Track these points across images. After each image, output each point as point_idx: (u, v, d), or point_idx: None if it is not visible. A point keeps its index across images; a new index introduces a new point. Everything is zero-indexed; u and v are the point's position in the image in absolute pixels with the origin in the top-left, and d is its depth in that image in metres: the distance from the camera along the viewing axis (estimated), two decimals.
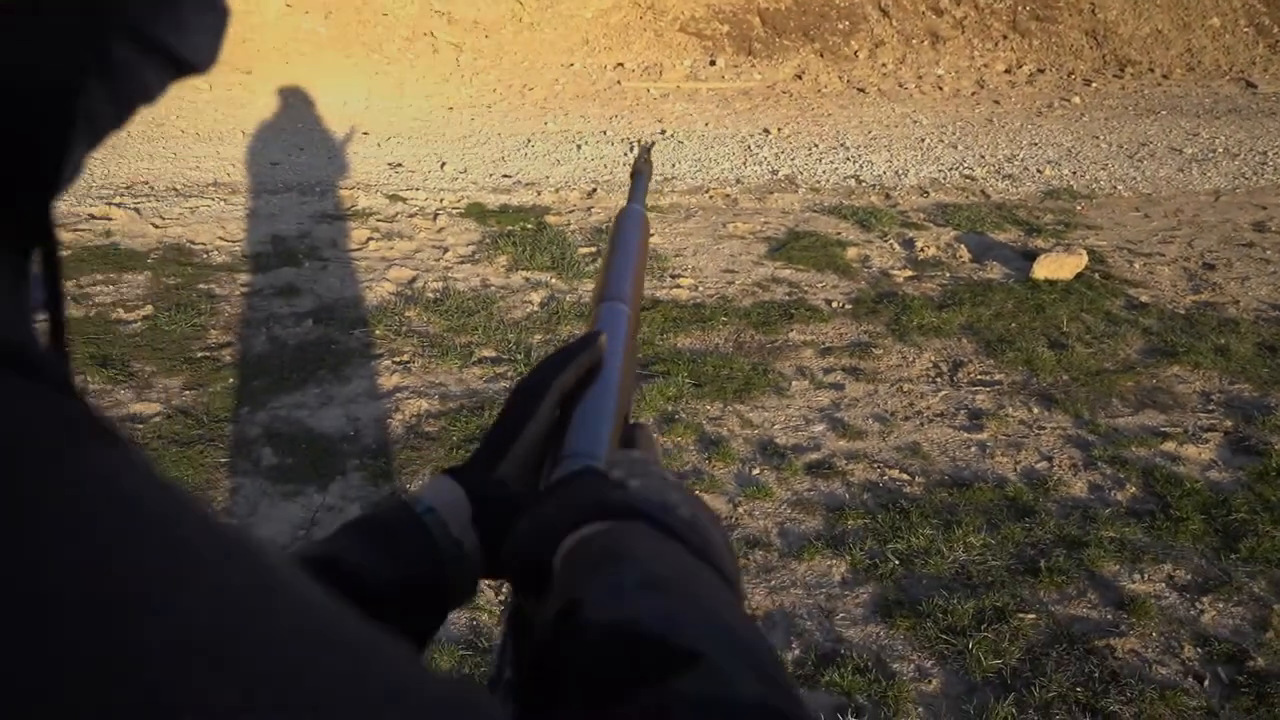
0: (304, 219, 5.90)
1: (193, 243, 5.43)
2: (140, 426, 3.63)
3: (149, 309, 4.57)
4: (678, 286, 5.14)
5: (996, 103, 9.76)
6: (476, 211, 6.14)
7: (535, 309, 4.82)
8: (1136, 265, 5.61)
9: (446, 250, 5.51)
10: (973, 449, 3.74)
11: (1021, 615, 2.83)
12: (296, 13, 9.59)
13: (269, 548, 0.28)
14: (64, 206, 5.79)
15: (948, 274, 5.43)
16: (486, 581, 0.61)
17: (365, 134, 7.77)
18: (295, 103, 8.19)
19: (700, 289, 5.12)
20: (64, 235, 5.30)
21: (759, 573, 3.02)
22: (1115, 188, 7.19)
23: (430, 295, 4.89)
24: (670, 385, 4.05)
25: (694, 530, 0.49)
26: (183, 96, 8.16)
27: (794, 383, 4.20)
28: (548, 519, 0.49)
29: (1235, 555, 3.11)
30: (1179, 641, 2.76)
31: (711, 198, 6.68)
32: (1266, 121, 9.13)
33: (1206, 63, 11.00)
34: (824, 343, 4.58)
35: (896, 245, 5.85)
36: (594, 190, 6.70)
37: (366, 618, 0.49)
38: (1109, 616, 2.86)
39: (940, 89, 10.18)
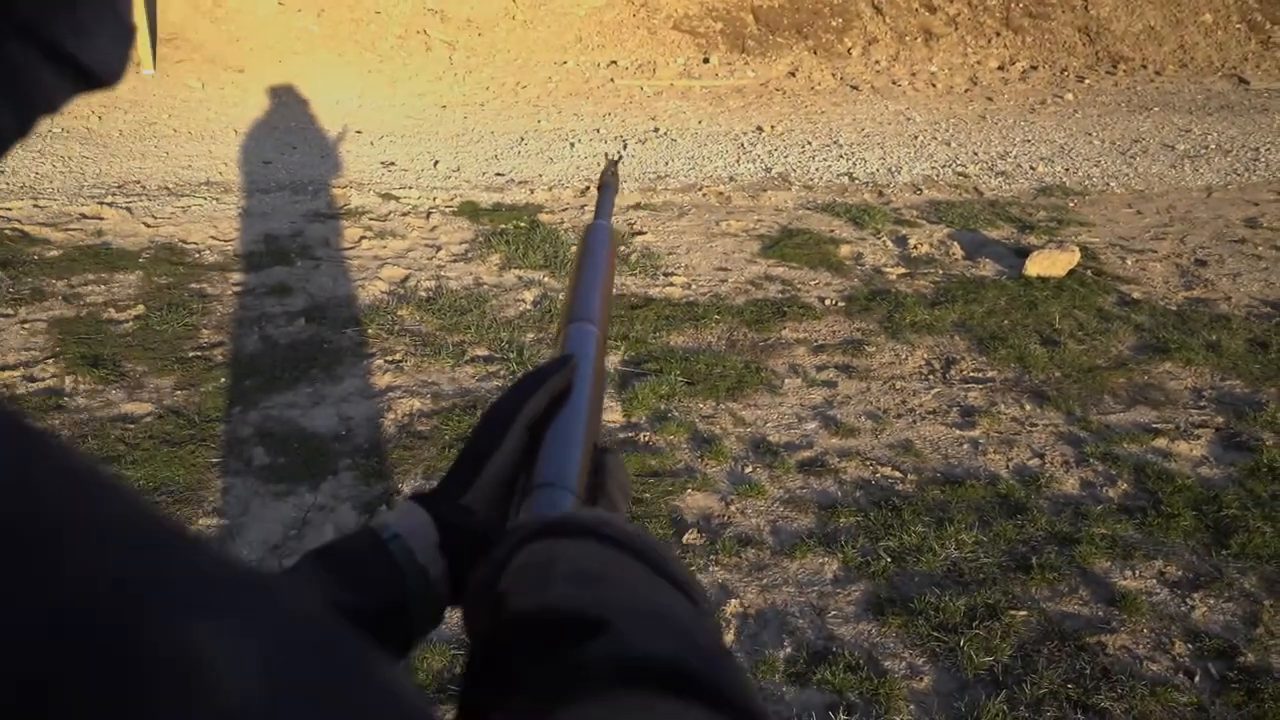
0: (296, 218, 5.89)
1: (185, 242, 5.42)
2: (132, 427, 3.62)
3: (141, 308, 4.56)
4: (670, 285, 5.14)
5: (990, 99, 9.77)
6: (469, 210, 6.13)
7: (528, 307, 4.81)
8: (1129, 262, 5.62)
9: (439, 249, 5.50)
10: (965, 446, 3.74)
11: (1013, 612, 2.84)
12: (289, 11, 9.56)
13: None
14: (55, 206, 5.78)
15: (940, 271, 5.44)
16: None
17: (358, 132, 7.76)
18: (288, 101, 8.17)
19: (693, 287, 5.12)
20: (55, 235, 5.30)
21: (751, 571, 3.02)
22: (1108, 184, 7.20)
23: (423, 294, 4.88)
24: (663, 384, 4.05)
25: (632, 536, 0.49)
26: (175, 95, 8.14)
27: (787, 380, 4.20)
28: (495, 556, 0.50)
29: (1226, 551, 3.12)
30: (1170, 638, 2.77)
31: (705, 195, 6.68)
32: (1259, 118, 9.15)
33: (1199, 59, 11.02)
34: (817, 340, 4.58)
35: (889, 242, 5.85)
36: (587, 188, 6.69)
37: None
38: (1100, 613, 2.86)
39: (933, 86, 10.18)
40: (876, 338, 4.61)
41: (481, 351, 4.33)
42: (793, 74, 10.26)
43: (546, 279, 5.13)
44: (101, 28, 0.34)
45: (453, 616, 0.60)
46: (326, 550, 0.58)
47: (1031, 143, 8.22)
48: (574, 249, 4.66)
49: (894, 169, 7.41)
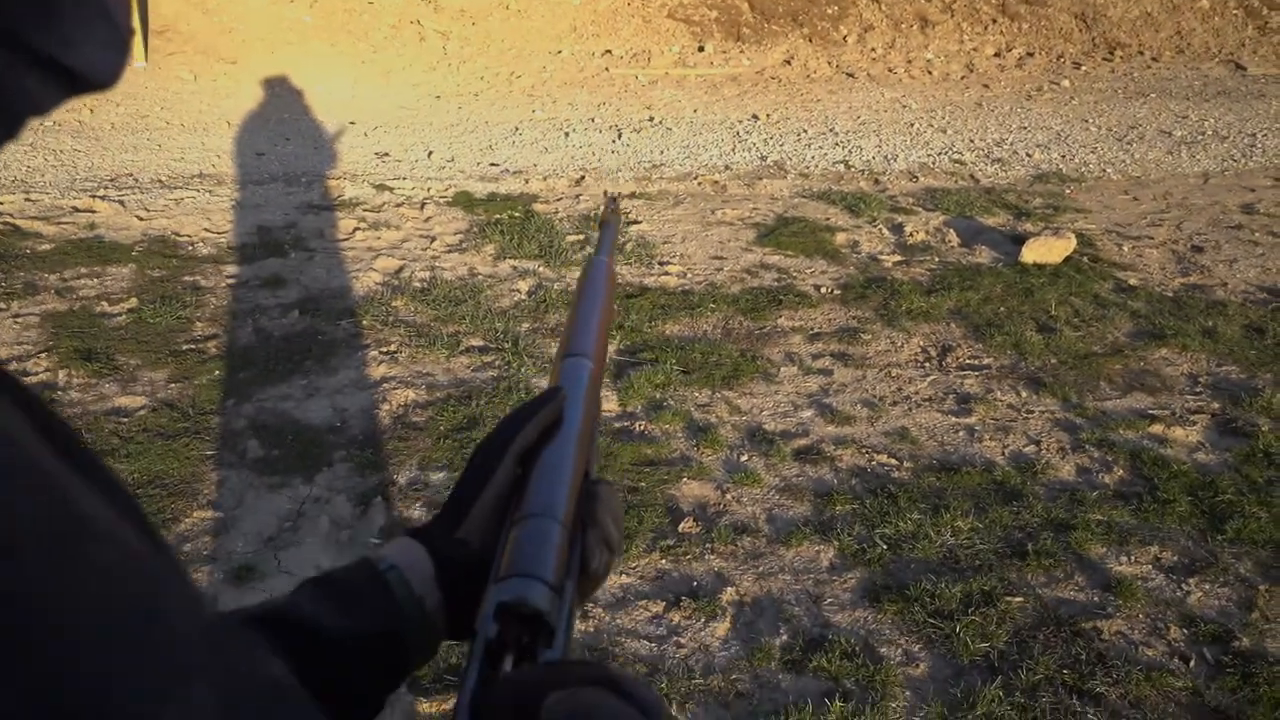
0: (290, 209, 5.87)
1: (178, 234, 5.40)
2: (125, 420, 3.61)
3: (133, 301, 4.54)
4: (666, 274, 5.12)
5: (986, 87, 9.74)
6: (464, 200, 6.11)
7: (523, 297, 4.80)
8: (1125, 248, 5.61)
9: (434, 239, 5.49)
10: (961, 433, 3.73)
11: (1009, 598, 2.84)
12: (281, 2, 9.52)
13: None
14: (47, 200, 5.75)
15: (936, 259, 5.43)
16: None
17: (352, 123, 7.73)
18: (281, 92, 8.14)
19: (689, 276, 5.11)
20: (47, 229, 5.28)
21: (747, 559, 3.02)
22: (1104, 171, 7.18)
23: (417, 285, 4.87)
24: (658, 373, 4.04)
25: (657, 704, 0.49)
26: (167, 87, 8.11)
27: (782, 369, 4.19)
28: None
29: (1221, 536, 3.11)
30: (1165, 623, 2.77)
31: (700, 184, 6.66)
32: (1255, 103, 9.13)
33: (1196, 45, 10.99)
34: (812, 328, 4.57)
35: (885, 230, 5.83)
36: (582, 178, 6.67)
37: (320, 672, 0.51)
38: (1096, 599, 2.86)
39: (929, 73, 10.15)
40: (872, 325, 4.61)
41: (476, 342, 4.32)
42: (788, 62, 10.22)
43: (541, 269, 5.12)
44: (90, 35, 0.34)
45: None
46: (325, 578, 0.59)
47: (1028, 129, 8.20)
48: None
49: (890, 156, 7.39)
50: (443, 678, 2.49)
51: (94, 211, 5.61)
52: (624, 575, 2.92)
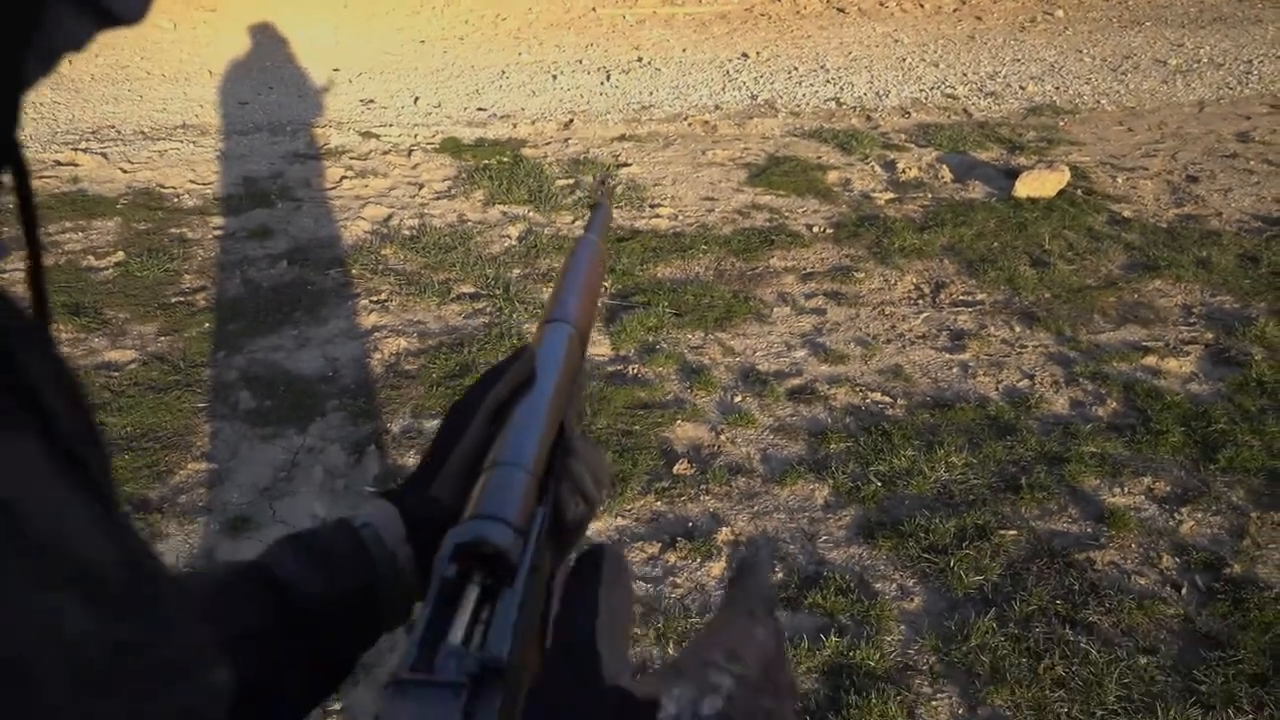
0: (275, 159, 5.79)
1: (162, 186, 5.34)
2: (115, 374, 3.59)
3: (120, 255, 4.50)
4: (657, 216, 5.08)
5: (979, 19, 9.59)
6: (451, 146, 6.04)
7: (513, 243, 4.76)
8: (1119, 180, 5.56)
9: (422, 186, 5.43)
10: (954, 370, 3.73)
11: (1003, 532, 2.85)
12: None
13: None
14: (28, 153, 5.66)
15: (929, 195, 5.38)
16: None
17: (335, 70, 7.60)
18: (262, 40, 7.99)
19: (680, 218, 5.07)
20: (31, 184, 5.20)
21: (741, 499, 3.03)
22: (1099, 102, 7.10)
23: (406, 232, 4.82)
24: (651, 315, 4.02)
25: None
26: (146, 36, 7.95)
27: (775, 309, 4.17)
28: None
29: (1214, 466, 3.13)
30: (1157, 552, 2.79)
31: (690, 125, 6.57)
32: (1253, 29, 9.00)
33: None
34: (805, 268, 4.54)
35: (878, 167, 5.78)
36: (570, 121, 6.59)
37: (297, 629, 0.53)
38: (1089, 530, 2.88)
39: (921, 6, 9.98)
40: (865, 264, 4.58)
41: (467, 289, 4.29)
42: None
43: (531, 214, 5.07)
44: None
45: None
46: (304, 538, 0.59)
47: (1021, 62, 8.09)
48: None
49: (882, 93, 7.29)
50: None
51: (76, 165, 5.53)
52: (619, 518, 2.93)
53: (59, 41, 0.35)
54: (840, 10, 9.81)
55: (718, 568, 2.75)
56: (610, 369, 3.71)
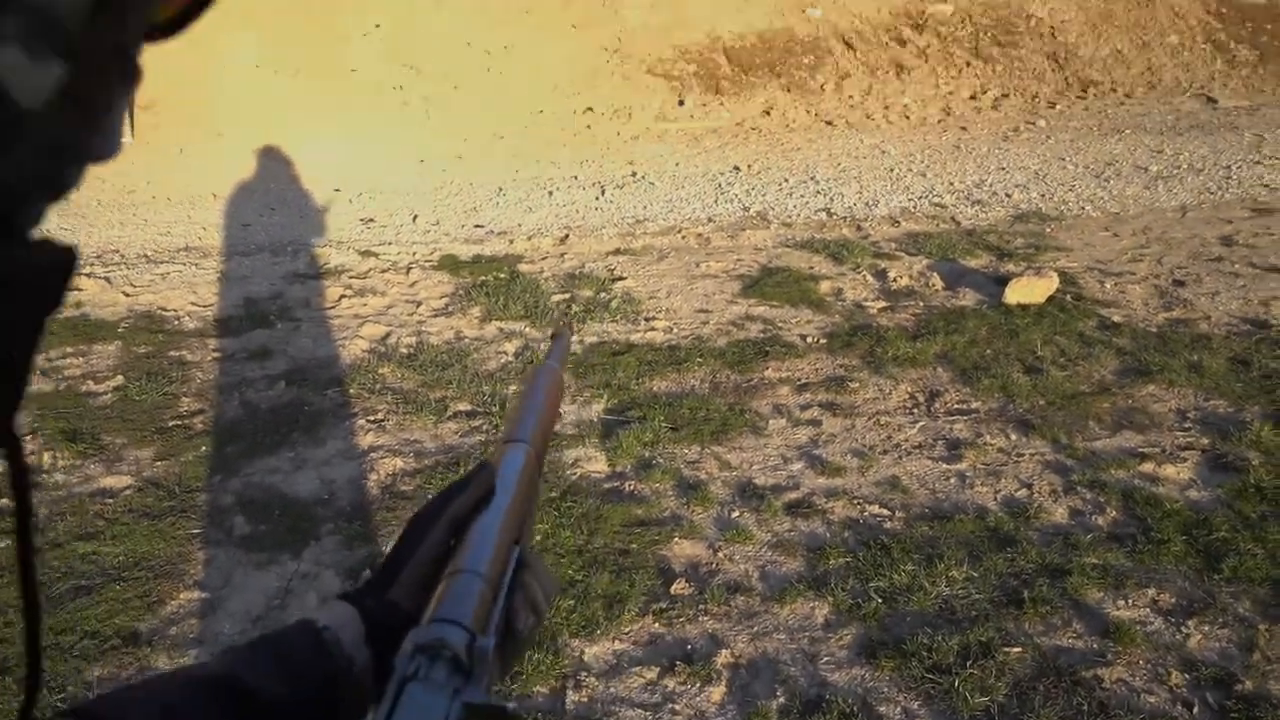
0: (276, 279, 5.88)
1: (164, 309, 5.41)
2: (110, 501, 3.58)
3: (119, 379, 4.53)
4: (652, 329, 5.13)
5: (963, 129, 9.86)
6: (449, 263, 6.14)
7: (510, 359, 4.80)
8: (1108, 285, 5.64)
9: (419, 304, 5.50)
10: (952, 480, 3.72)
11: (1007, 649, 2.80)
12: (265, 72, 9.64)
13: None
14: None
15: (921, 303, 5.45)
16: None
17: (337, 190, 7.79)
18: (266, 163, 8.21)
19: (675, 330, 5.12)
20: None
21: (740, 619, 2.98)
22: (1084, 208, 7.25)
23: (404, 350, 4.87)
24: (647, 430, 4.03)
25: None
26: (153, 162, 8.16)
27: (771, 421, 4.19)
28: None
29: (1218, 576, 3.09)
30: (1166, 668, 2.74)
31: (684, 237, 6.70)
32: (1229, 135, 9.25)
33: (1167, 80, 11.16)
34: (800, 379, 4.57)
35: (869, 276, 5.87)
36: (566, 236, 6.71)
37: None
38: (1095, 646, 2.83)
39: (907, 118, 10.28)
40: (859, 373, 4.61)
41: (464, 406, 4.31)
42: (767, 112, 10.35)
43: (528, 329, 5.13)
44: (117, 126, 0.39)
45: None
46: (262, 639, 0.61)
47: (1006, 170, 8.29)
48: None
49: (871, 202, 7.45)
50: None
51: (80, 290, 5.62)
52: (617, 641, 2.88)
53: (70, 185, 0.38)
54: (828, 123, 10.10)
55: (718, 692, 2.69)
56: (607, 486, 3.70)
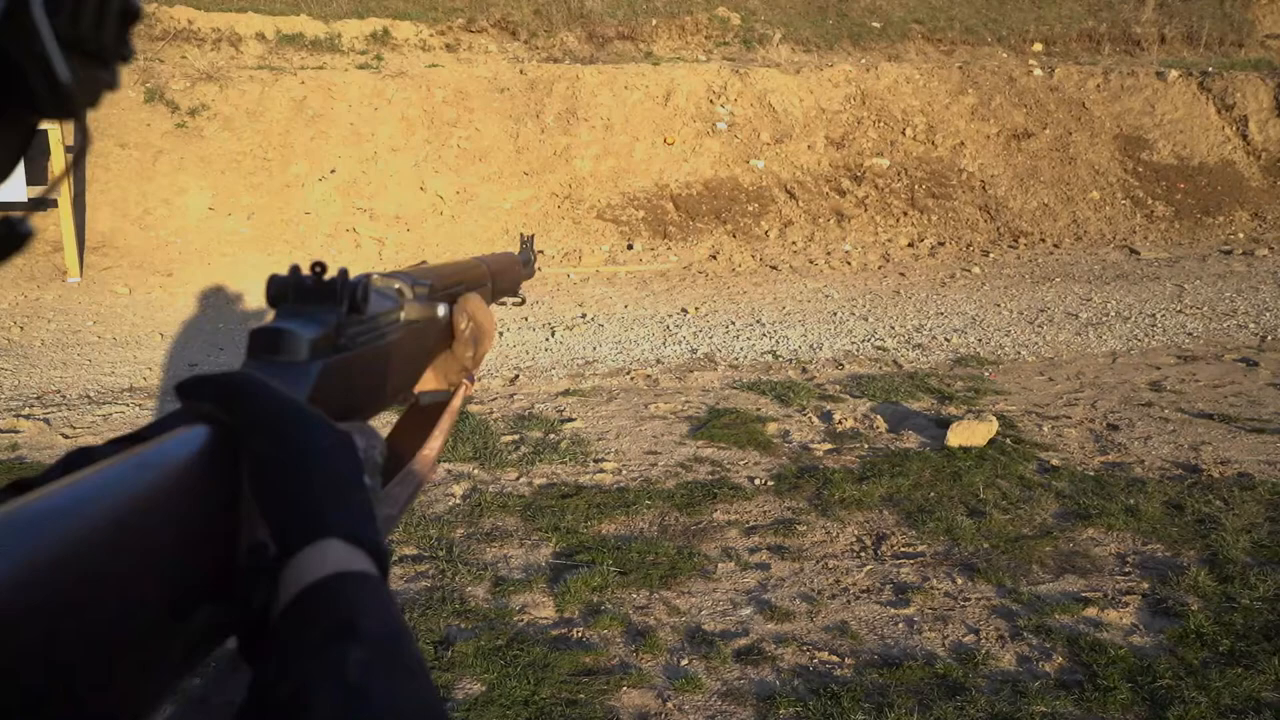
0: None
1: None
2: None
3: None
4: (601, 471, 5.14)
5: (903, 275, 10.24)
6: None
7: (457, 501, 4.76)
8: (1045, 428, 5.80)
9: None
10: (900, 625, 3.72)
11: None
12: (219, 215, 9.76)
13: None
14: None
15: (866, 445, 5.54)
16: None
17: None
18: (216, 303, 8.23)
19: (624, 472, 5.14)
20: None
21: None
22: (1019, 353, 7.50)
23: None
24: (595, 575, 3.99)
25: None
26: (100, 302, 8.15)
27: (720, 565, 4.18)
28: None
29: None
30: None
31: (633, 379, 6.79)
32: (1151, 285, 9.71)
33: (1092, 232, 11.76)
34: (748, 521, 4.59)
35: (815, 418, 5.97)
36: (516, 377, 6.77)
37: None
38: None
39: (848, 264, 10.66)
40: (807, 516, 4.64)
41: (409, 551, 4.24)
42: (714, 257, 10.67)
43: (475, 471, 5.11)
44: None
45: None
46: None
47: (945, 315, 8.59)
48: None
49: (816, 345, 7.64)
50: None
51: (17, 431, 5.51)
52: None
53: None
54: (773, 268, 10.43)
55: None
56: (554, 632, 3.64)
